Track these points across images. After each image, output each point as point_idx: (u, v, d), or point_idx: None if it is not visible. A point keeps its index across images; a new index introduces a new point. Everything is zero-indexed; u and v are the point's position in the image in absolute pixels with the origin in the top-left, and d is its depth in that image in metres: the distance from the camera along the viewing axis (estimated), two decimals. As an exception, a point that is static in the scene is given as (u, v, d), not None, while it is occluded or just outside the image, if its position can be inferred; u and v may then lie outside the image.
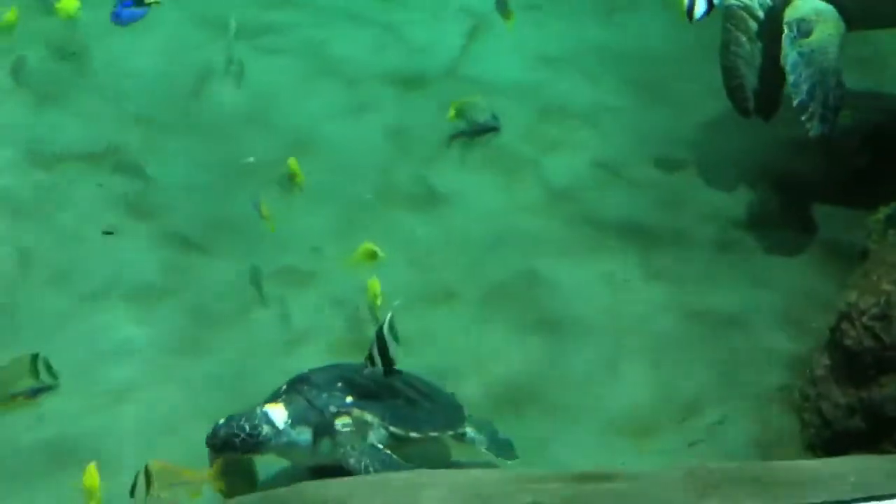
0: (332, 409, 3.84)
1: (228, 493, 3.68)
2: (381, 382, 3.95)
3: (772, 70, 5.38)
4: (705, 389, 4.52)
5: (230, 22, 6.23)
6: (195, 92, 5.99)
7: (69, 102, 5.81)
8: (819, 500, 2.60)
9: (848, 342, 4.12)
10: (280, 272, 5.03)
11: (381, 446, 3.82)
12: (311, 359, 4.42)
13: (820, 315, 4.59)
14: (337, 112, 6.00)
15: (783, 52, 5.13)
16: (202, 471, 3.63)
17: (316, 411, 3.82)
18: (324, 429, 3.81)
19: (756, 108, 5.53)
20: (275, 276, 5.00)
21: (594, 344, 4.75)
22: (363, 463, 3.74)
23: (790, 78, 5.11)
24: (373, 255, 4.72)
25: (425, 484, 2.86)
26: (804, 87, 5.05)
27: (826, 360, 4.27)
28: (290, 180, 5.00)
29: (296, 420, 3.78)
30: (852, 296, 4.15)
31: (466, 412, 4.16)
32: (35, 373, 4.30)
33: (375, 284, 4.65)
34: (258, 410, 3.78)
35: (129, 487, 3.60)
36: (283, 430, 3.76)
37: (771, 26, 5.38)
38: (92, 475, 3.43)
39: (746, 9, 5.46)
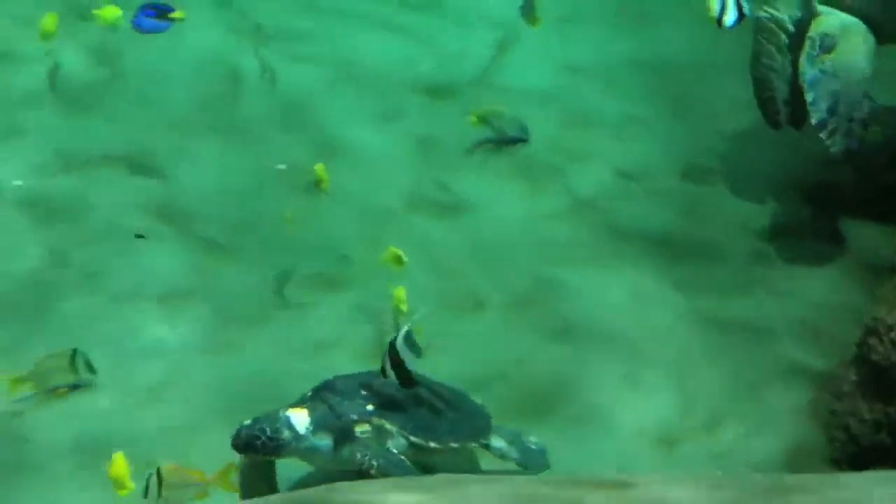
0: (353, 416, 3.86)
1: (248, 495, 3.71)
2: (405, 391, 3.96)
3: (802, 81, 5.36)
4: (730, 401, 4.49)
5: (260, 29, 6.28)
6: (226, 98, 6.03)
7: (102, 107, 5.85)
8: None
9: (875, 357, 4.09)
10: (308, 278, 5.04)
11: (398, 454, 3.83)
12: (337, 364, 4.43)
13: (847, 329, 4.56)
14: (365, 119, 6.02)
15: (800, 70, 5.12)
16: (217, 472, 3.66)
17: (337, 418, 3.84)
18: (344, 435, 3.83)
19: (787, 119, 5.51)
20: (303, 282, 5.02)
21: (618, 354, 4.73)
22: (379, 467, 3.76)
23: (808, 96, 5.10)
24: (398, 260, 4.74)
25: (461, 481, 2.87)
26: (823, 106, 5.04)
27: (853, 375, 4.24)
28: (316, 186, 5.02)
29: (317, 426, 3.81)
30: (880, 311, 4.12)
31: (493, 422, 4.14)
32: (74, 368, 4.35)
33: (401, 292, 4.66)
34: (281, 414, 3.81)
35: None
36: (304, 435, 3.79)
37: (800, 38, 5.36)
38: (120, 464, 3.46)
39: (776, 21, 5.44)
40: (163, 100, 5.93)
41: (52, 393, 4.32)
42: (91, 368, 4.39)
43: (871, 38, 5.19)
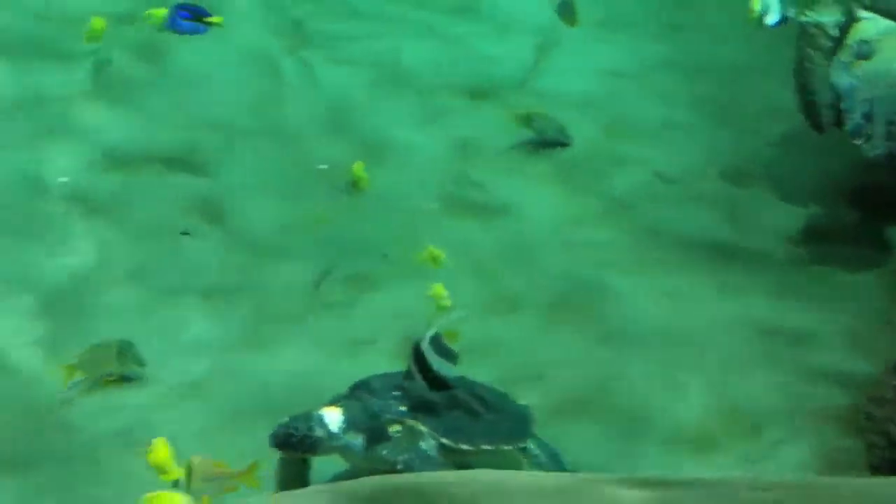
0: (386, 415, 3.87)
1: (283, 489, 3.76)
2: (440, 392, 3.95)
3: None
4: (769, 406, 4.44)
5: (304, 32, 6.33)
6: (270, 98, 6.08)
7: (148, 106, 5.92)
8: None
9: (918, 363, 4.03)
10: (348, 277, 5.06)
11: (428, 453, 3.84)
12: (375, 363, 4.45)
13: (889, 335, 4.49)
14: (406, 121, 6.04)
15: (833, 76, 5.08)
16: (244, 468, 3.71)
17: (370, 417, 3.86)
18: (376, 434, 3.85)
19: (830, 123, 5.45)
20: (343, 281, 5.04)
21: (657, 357, 4.68)
22: (405, 463, 3.77)
23: (843, 104, 5.06)
24: (436, 260, 4.75)
25: (501, 477, 2.86)
26: (858, 112, 4.99)
27: (894, 382, 4.18)
28: (354, 185, 5.05)
29: (350, 424, 3.83)
30: (923, 316, 4.06)
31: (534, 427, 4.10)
32: (123, 360, 4.42)
33: (440, 290, 4.67)
34: (315, 413, 3.84)
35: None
36: (337, 433, 3.82)
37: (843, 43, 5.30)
38: (161, 450, 3.51)
39: (819, 26, 5.40)
40: (208, 99, 5.99)
41: (101, 381, 4.39)
42: (139, 360, 4.45)
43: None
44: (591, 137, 6.00)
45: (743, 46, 6.43)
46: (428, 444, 3.86)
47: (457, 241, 5.21)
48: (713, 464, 4.20)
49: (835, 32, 5.37)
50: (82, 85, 5.98)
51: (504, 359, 4.66)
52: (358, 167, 5.07)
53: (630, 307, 4.95)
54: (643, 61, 6.59)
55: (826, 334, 4.79)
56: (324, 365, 4.61)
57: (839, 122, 5.47)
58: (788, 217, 5.48)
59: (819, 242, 5.34)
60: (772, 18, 4.60)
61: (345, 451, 3.88)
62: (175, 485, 3.50)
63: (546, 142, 5.92)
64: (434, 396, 3.94)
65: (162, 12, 5.22)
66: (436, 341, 3.75)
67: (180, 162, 5.64)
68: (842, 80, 5.06)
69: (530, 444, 4.06)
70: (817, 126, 5.46)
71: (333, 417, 3.83)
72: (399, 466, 3.77)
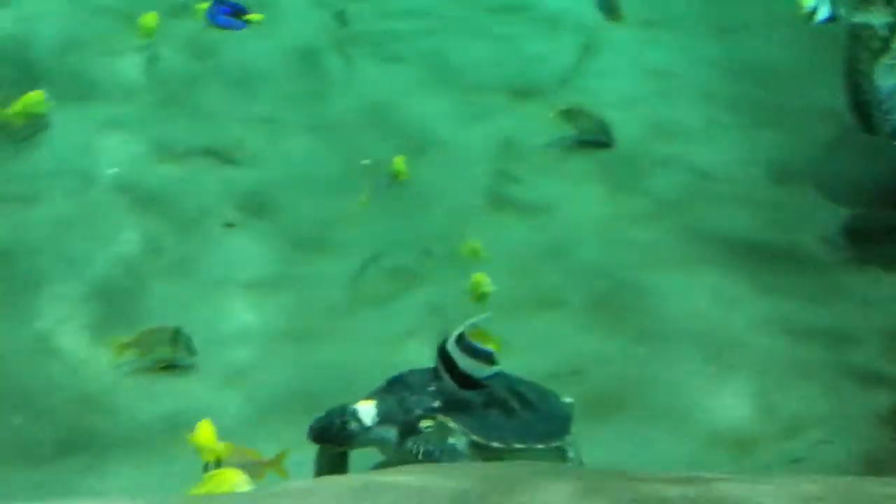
0: (418, 410, 3.87)
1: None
2: (475, 390, 3.91)
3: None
4: (810, 407, 4.36)
5: (352, 30, 6.35)
6: (317, 94, 6.11)
7: (197, 100, 5.97)
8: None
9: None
10: (390, 270, 5.07)
11: (458, 449, 3.82)
12: (414, 356, 4.44)
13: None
14: (450, 119, 6.02)
15: (878, 78, 4.99)
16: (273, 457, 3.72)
17: (403, 411, 3.86)
18: (409, 429, 3.85)
19: (881, 124, 5.36)
20: (385, 274, 5.05)
21: (697, 356, 4.62)
22: (425, 453, 3.76)
23: (885, 105, 4.96)
24: (476, 253, 4.72)
25: (537, 470, 2.84)
26: None
27: (937, 384, 4.09)
28: (395, 178, 5.05)
29: (383, 418, 3.84)
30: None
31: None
32: (175, 347, 4.45)
33: (482, 277, 4.62)
34: (350, 407, 3.86)
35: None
36: (370, 427, 3.83)
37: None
38: (206, 431, 3.53)
39: (869, 27, 5.31)
40: (255, 94, 6.04)
41: (153, 365, 4.43)
42: (191, 349, 4.48)
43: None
44: (635, 136, 5.95)
45: (789, 48, 6.34)
46: (459, 441, 3.84)
47: (498, 238, 5.19)
48: (752, 463, 4.14)
49: (885, 34, 5.28)
50: (133, 79, 6.05)
51: (542, 355, 4.62)
52: (399, 161, 5.07)
53: (670, 306, 4.89)
54: (688, 61, 6.52)
55: (867, 335, 4.70)
56: (364, 357, 4.61)
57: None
58: (831, 218, 5.39)
59: (861, 244, 5.24)
60: (822, 15, 4.52)
61: (378, 443, 3.89)
62: (206, 468, 3.52)
63: (588, 141, 5.88)
64: (468, 394, 3.91)
65: (205, 6, 5.27)
66: (462, 340, 3.71)
67: (227, 155, 5.68)
68: (886, 81, 4.97)
69: (567, 444, 4.00)
70: (867, 127, 5.37)
71: (367, 411, 3.84)
72: (419, 457, 3.76)
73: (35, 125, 5.50)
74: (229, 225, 5.30)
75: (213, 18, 5.08)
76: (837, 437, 4.24)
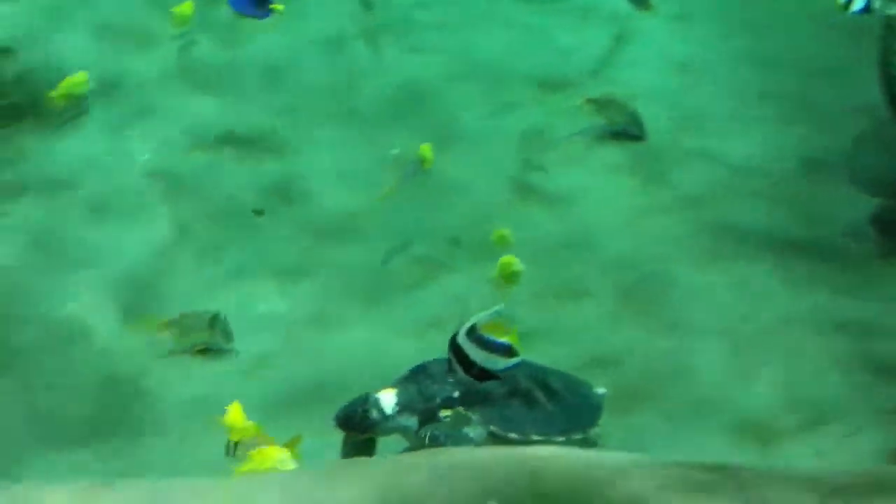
0: (438, 399, 3.89)
1: None
2: (495, 381, 3.89)
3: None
4: (838, 400, 4.31)
5: (382, 20, 6.36)
6: (347, 84, 6.12)
7: (229, 89, 6.00)
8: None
9: None
10: (417, 259, 5.08)
11: (474, 440, 3.82)
12: (440, 345, 4.43)
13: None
14: (479, 109, 6.01)
15: None
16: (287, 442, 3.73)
17: (424, 400, 3.89)
18: (428, 417, 3.88)
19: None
20: (413, 263, 5.05)
21: (724, 349, 4.58)
22: (431, 438, 3.78)
23: None
24: (506, 240, 4.72)
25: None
26: None
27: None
28: (420, 165, 5.05)
29: (403, 407, 3.87)
30: None
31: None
32: (213, 332, 4.48)
33: (510, 258, 4.60)
34: (372, 396, 3.90)
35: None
36: (391, 415, 3.87)
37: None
38: (236, 413, 3.56)
39: (906, 19, 5.22)
40: (287, 83, 6.06)
41: (190, 349, 4.46)
42: (228, 334, 4.51)
43: None
44: (664, 129, 5.91)
45: (821, 41, 6.26)
46: (476, 431, 3.84)
47: (525, 228, 5.18)
48: (778, 455, 4.11)
49: (921, 26, 5.19)
50: (167, 67, 6.09)
51: (568, 345, 4.61)
52: (425, 148, 5.07)
53: (697, 298, 4.86)
54: (719, 54, 6.47)
55: (894, 328, 4.65)
56: (390, 344, 4.62)
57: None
58: (860, 212, 5.32)
59: (891, 236, 5.18)
60: (856, 6, 4.46)
61: (399, 431, 3.92)
62: (227, 450, 3.54)
63: (618, 133, 5.85)
64: (490, 384, 3.90)
65: None
66: (473, 333, 3.69)
67: (257, 144, 5.71)
68: None
69: (592, 437, 3.97)
70: (903, 119, 5.30)
71: (387, 399, 3.87)
72: (427, 441, 3.79)
73: (76, 108, 5.56)
74: (258, 212, 5.33)
75: (235, 6, 5.09)
76: (863, 431, 4.20)
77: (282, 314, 4.78)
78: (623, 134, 5.85)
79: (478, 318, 3.54)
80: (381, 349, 4.60)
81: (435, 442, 3.78)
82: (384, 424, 3.88)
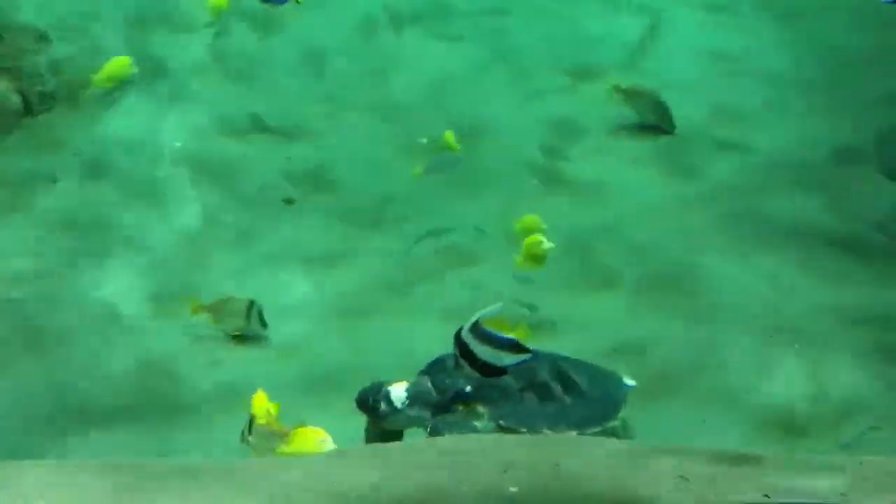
0: (451, 393, 3.89)
1: None
2: (518, 371, 3.88)
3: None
4: (863, 393, 4.28)
5: (412, 9, 6.38)
6: (378, 74, 6.15)
7: (262, 78, 6.05)
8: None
9: None
10: (444, 248, 5.09)
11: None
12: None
13: None
14: (509, 98, 6.01)
15: None
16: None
17: (436, 394, 3.89)
18: (441, 410, 3.87)
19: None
20: (439, 252, 5.08)
21: (750, 340, 4.55)
22: (432, 429, 3.78)
23: None
24: (535, 227, 4.71)
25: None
26: None
27: None
28: (454, 158, 5.07)
29: (413, 400, 3.87)
30: None
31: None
32: (248, 318, 4.53)
33: (537, 238, 4.58)
34: (384, 389, 3.90)
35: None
36: (400, 408, 3.87)
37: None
38: (261, 401, 3.60)
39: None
40: (316, 71, 6.10)
41: (225, 334, 4.51)
42: (263, 321, 4.55)
43: None
44: (696, 119, 5.88)
45: (854, 32, 6.20)
46: (485, 425, 3.84)
47: (554, 217, 5.16)
48: (802, 447, 4.09)
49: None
50: (201, 56, 6.14)
51: (594, 335, 4.60)
52: (449, 135, 5.09)
53: (725, 289, 4.83)
54: (752, 44, 6.42)
55: (923, 322, 4.61)
56: (417, 332, 4.64)
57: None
58: (890, 205, 5.28)
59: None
60: None
61: (410, 423, 3.92)
62: (242, 437, 3.59)
63: (650, 126, 5.84)
64: (504, 378, 3.88)
65: None
66: (476, 329, 3.68)
67: (289, 132, 5.75)
68: None
69: (610, 429, 3.95)
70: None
71: (398, 393, 3.88)
72: (428, 433, 3.80)
73: (114, 93, 5.61)
74: (289, 200, 5.37)
75: None
76: (888, 424, 4.17)
77: (311, 301, 4.81)
78: (653, 127, 5.83)
79: (481, 313, 3.54)
80: (409, 337, 4.62)
81: (435, 433, 3.78)
82: (394, 417, 3.88)
